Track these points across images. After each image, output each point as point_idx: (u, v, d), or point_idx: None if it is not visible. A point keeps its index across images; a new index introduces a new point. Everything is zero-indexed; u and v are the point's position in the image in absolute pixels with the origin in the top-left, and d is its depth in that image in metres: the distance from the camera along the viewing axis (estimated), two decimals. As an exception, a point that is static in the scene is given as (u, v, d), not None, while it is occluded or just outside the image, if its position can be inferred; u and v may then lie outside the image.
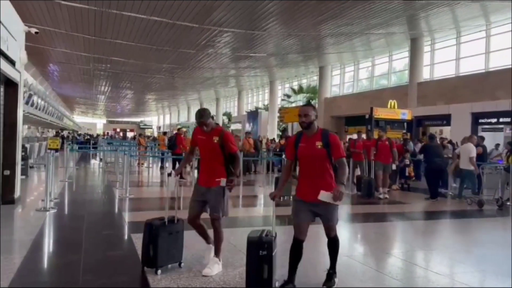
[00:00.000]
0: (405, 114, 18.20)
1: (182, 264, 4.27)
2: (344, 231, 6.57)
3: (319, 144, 3.66)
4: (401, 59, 24.16)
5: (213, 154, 4.17)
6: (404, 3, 15.56)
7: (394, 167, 10.73)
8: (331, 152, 3.66)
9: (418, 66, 21.39)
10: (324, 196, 3.52)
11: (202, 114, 4.15)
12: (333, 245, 3.91)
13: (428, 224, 7.69)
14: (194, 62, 26.27)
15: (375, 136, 13.40)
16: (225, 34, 19.55)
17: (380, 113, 17.54)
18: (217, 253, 4.24)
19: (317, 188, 3.59)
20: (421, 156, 12.55)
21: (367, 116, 18.01)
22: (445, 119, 19.80)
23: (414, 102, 20.91)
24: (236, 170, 4.22)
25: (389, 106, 18.60)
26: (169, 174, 4.64)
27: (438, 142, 15.32)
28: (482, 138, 13.19)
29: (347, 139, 17.09)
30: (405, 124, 18.20)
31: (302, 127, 3.75)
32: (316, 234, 4.42)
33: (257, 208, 9.36)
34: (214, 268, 4.12)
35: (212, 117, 4.24)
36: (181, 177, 10.19)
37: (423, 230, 7.15)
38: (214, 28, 18.29)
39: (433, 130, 21.34)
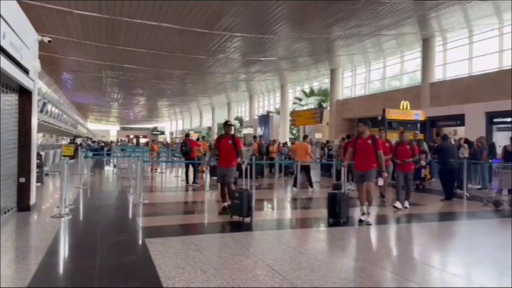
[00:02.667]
0: (418, 115, 18.00)
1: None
2: (360, 234, 6.52)
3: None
4: (413, 59, 23.95)
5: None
6: (414, 3, 15.45)
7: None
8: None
9: (430, 66, 21.20)
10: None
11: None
12: None
13: (444, 225, 7.57)
14: (205, 68, 26.44)
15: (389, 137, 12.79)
16: (235, 39, 19.64)
17: (393, 114, 17.38)
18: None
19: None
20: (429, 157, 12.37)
21: (379, 118, 17.86)
22: (459, 119, 19.56)
23: (427, 102, 20.70)
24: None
25: (401, 107, 18.43)
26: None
27: (452, 142, 15.17)
28: None
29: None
30: (419, 125, 17.99)
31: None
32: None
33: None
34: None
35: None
36: (194, 182, 11.35)
37: (439, 231, 7.05)
38: (224, 33, 18.39)
39: (447, 130, 21.09)
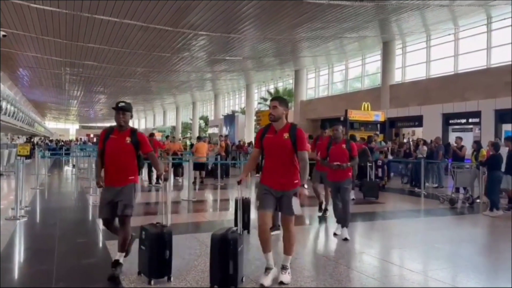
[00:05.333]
0: (379, 116, 18.54)
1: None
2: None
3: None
4: (374, 62, 24.63)
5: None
6: (375, 7, 15.88)
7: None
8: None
9: (390, 68, 21.87)
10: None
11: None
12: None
13: (402, 222, 7.83)
14: (170, 66, 26.07)
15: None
16: (200, 37, 19.49)
17: (355, 115, 17.81)
18: None
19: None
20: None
21: (342, 118, 18.25)
22: (417, 120, 20.28)
23: (387, 104, 21.34)
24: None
25: (362, 108, 18.91)
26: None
27: (411, 143, 15.72)
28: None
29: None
30: (379, 125, 18.52)
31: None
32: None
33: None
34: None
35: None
36: (157, 182, 10.05)
37: (397, 228, 7.29)
38: (189, 32, 18.19)
39: (406, 131, 21.86)
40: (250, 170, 4.47)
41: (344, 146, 6.02)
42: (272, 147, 3.95)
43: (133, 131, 4.26)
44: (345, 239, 5.80)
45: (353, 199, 9.18)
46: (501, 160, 8.62)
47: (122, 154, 4.13)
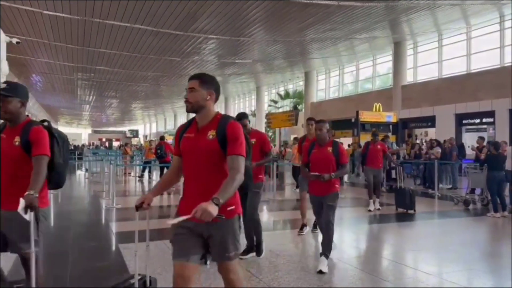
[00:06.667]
0: (390, 117, 18.39)
1: None
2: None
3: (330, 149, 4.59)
4: (385, 62, 24.46)
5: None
6: (386, 8, 15.78)
7: None
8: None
9: (402, 69, 21.70)
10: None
11: None
12: None
13: (417, 224, 7.74)
14: (180, 70, 26.21)
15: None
16: (210, 41, 19.57)
17: (366, 116, 17.70)
18: None
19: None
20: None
21: (353, 120, 18.15)
22: (430, 121, 20.08)
23: (398, 104, 21.17)
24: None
25: (374, 109, 18.78)
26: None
27: (424, 144, 15.56)
28: None
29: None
30: (391, 126, 18.38)
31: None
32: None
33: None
34: None
35: None
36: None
37: (411, 231, 7.20)
38: (199, 35, 18.29)
39: (419, 132, 21.66)
40: (163, 188, 2.73)
41: (330, 149, 4.63)
42: (190, 152, 2.46)
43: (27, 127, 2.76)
44: (320, 272, 4.29)
45: (369, 210, 8.59)
46: (501, 159, 8.46)
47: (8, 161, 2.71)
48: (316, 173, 4.52)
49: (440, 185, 12.57)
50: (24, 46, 18.62)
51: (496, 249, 5.96)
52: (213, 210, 2.08)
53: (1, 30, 7.92)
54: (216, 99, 2.59)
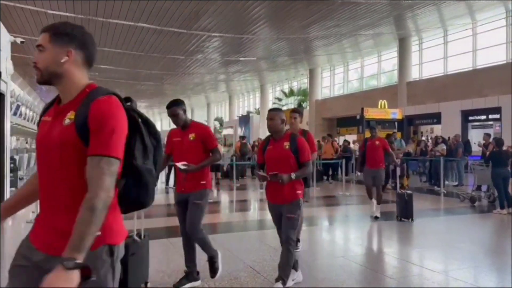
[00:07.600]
0: (396, 114, 18.31)
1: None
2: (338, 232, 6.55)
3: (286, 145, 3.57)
4: (390, 59, 24.33)
5: None
6: (390, 4, 15.68)
7: None
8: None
9: (407, 65, 21.57)
10: None
11: None
12: None
13: (418, 222, 7.69)
14: (184, 68, 26.24)
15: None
16: (214, 39, 19.55)
17: (371, 113, 17.63)
18: None
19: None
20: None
21: (358, 117, 18.08)
22: (436, 118, 19.96)
23: (404, 101, 21.06)
24: None
25: (379, 106, 18.70)
26: None
27: (430, 141, 15.47)
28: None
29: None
30: (396, 123, 18.29)
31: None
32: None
33: (251, 212, 9.31)
34: None
35: None
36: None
37: (417, 228, 7.16)
38: (203, 34, 18.28)
39: (424, 128, 21.54)
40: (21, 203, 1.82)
41: (286, 145, 3.64)
42: (41, 145, 1.67)
43: None
44: None
45: (376, 217, 7.49)
46: (505, 156, 8.37)
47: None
48: (275, 172, 3.52)
49: (446, 182, 12.49)
50: (29, 46, 18.66)
51: (502, 246, 5.91)
52: (65, 282, 1.21)
53: (6, 30, 7.94)
54: (86, 62, 1.71)
